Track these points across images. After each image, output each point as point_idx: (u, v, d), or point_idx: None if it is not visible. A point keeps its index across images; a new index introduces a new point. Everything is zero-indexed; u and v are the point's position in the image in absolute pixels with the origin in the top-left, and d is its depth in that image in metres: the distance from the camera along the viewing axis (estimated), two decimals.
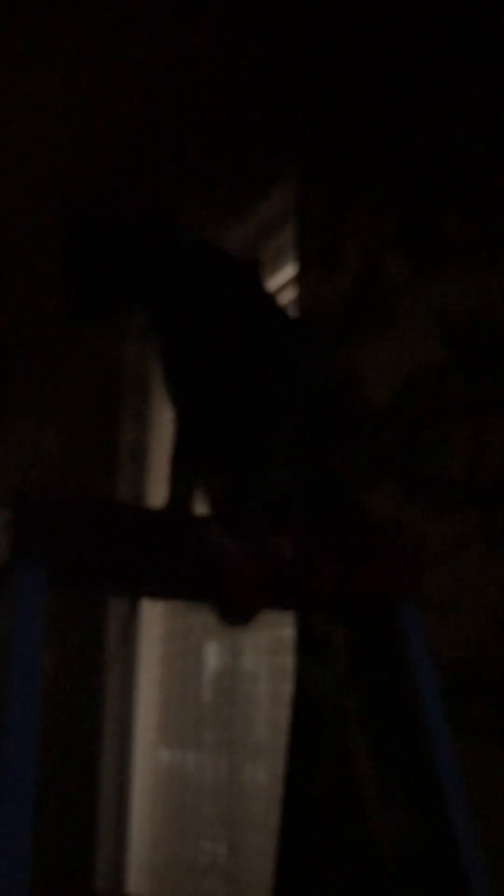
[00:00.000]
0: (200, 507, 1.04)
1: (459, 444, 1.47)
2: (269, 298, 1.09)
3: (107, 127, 2.62)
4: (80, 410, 3.27)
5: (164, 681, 2.61)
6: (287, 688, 1.60)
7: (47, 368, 3.73)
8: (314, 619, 1.15)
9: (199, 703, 2.36)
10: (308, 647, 1.17)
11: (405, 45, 1.82)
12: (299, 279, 2.06)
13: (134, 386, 2.92)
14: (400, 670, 1.03)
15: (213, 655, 2.37)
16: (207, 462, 1.06)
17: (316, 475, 1.07)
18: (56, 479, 3.40)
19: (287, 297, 2.23)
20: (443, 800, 0.98)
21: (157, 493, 2.73)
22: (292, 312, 2.18)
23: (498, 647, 1.33)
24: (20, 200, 3.02)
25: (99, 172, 2.84)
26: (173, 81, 2.41)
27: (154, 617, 2.68)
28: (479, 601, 1.37)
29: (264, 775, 2.01)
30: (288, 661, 1.65)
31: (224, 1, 2.11)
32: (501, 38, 1.57)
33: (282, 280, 2.29)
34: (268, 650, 2.08)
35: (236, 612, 1.06)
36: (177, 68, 2.36)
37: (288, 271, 2.27)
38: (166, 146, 2.69)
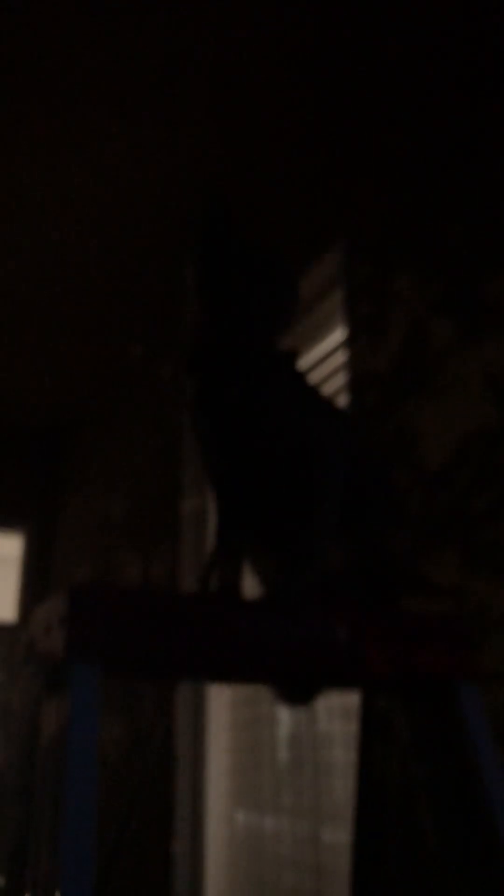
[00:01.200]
0: (249, 583, 1.06)
1: None
2: (307, 385, 1.12)
3: (170, 194, 2.71)
4: (145, 478, 3.33)
5: (235, 748, 2.59)
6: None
7: (114, 438, 3.82)
8: (375, 697, 1.14)
9: (276, 769, 2.35)
10: (370, 723, 1.16)
11: (448, 116, 1.85)
12: (349, 343, 2.08)
13: (195, 455, 2.96)
14: (461, 749, 1.01)
15: (286, 721, 2.36)
16: (253, 541, 1.08)
17: (366, 552, 1.07)
18: (122, 543, 3.45)
19: (337, 360, 2.25)
20: None
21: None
22: (342, 377, 2.19)
23: None
24: (80, 279, 3.13)
25: (162, 236, 2.92)
26: (232, 157, 2.49)
27: (220, 686, 2.68)
28: None
29: (345, 837, 1.98)
30: None
31: (277, 88, 2.18)
32: None
33: (332, 343, 2.32)
34: (342, 715, 2.06)
35: (295, 692, 1.06)
36: (235, 145, 2.44)
37: (338, 335, 2.30)
38: (220, 218, 2.76)
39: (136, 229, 2.85)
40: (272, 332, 1.12)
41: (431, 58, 1.91)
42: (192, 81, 2.21)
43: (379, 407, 1.88)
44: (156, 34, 2.06)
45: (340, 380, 2.22)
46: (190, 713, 2.70)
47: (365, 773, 1.15)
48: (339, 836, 2.04)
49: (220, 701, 2.69)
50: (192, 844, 2.58)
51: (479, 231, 1.66)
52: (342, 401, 2.17)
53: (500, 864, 0.96)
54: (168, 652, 0.85)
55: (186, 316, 1.12)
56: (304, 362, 2.46)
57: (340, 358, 2.24)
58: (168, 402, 3.22)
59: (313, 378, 2.36)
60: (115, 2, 1.96)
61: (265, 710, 2.43)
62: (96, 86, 2.23)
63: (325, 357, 2.33)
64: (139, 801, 2.75)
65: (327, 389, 2.26)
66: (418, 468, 1.71)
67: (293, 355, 1.12)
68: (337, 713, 2.09)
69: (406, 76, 2.00)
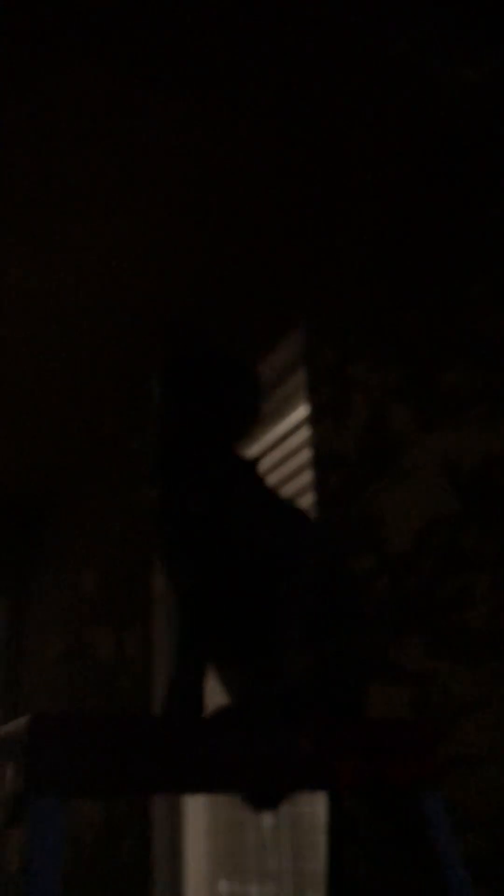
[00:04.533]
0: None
1: (480, 594, 1.47)
2: (270, 492, 1.14)
3: (140, 281, 2.75)
4: (117, 555, 3.32)
5: (213, 814, 2.55)
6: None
7: (87, 513, 3.81)
8: (342, 798, 1.14)
9: (258, 834, 2.32)
10: (338, 823, 1.16)
11: (406, 212, 1.92)
12: (312, 424, 2.11)
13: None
14: (424, 850, 1.02)
15: None
16: (218, 653, 1.08)
17: (331, 663, 1.08)
18: (94, 620, 3.42)
19: (301, 437, 2.28)
20: None
21: None
22: (305, 454, 2.22)
23: None
24: (52, 356, 3.16)
25: (134, 318, 2.96)
26: (200, 245, 2.55)
27: None
28: None
29: None
30: None
31: (241, 186, 2.25)
32: (494, 197, 1.65)
33: (296, 419, 2.35)
34: None
35: (261, 800, 1.06)
36: (202, 235, 2.50)
37: (301, 412, 2.33)
38: (187, 302, 2.81)
39: (109, 312, 2.89)
40: (234, 438, 1.14)
41: (385, 158, 1.98)
42: (161, 183, 2.27)
43: (343, 489, 1.91)
44: (124, 148, 2.13)
45: (304, 456, 2.24)
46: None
47: (334, 869, 1.14)
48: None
49: None
50: None
51: (436, 322, 1.71)
52: (306, 479, 2.20)
53: None
54: (132, 777, 0.85)
55: (151, 426, 1.14)
56: (268, 438, 2.49)
57: (304, 434, 2.27)
58: (139, 478, 3.23)
59: (277, 454, 2.39)
60: (88, 108, 2.02)
61: None
62: (67, 195, 2.28)
63: (289, 433, 2.36)
64: (117, 884, 2.69)
65: (291, 466, 2.29)
66: (384, 552, 1.73)
67: (254, 463, 1.14)
68: None
69: (364, 173, 2.07)
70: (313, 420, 2.11)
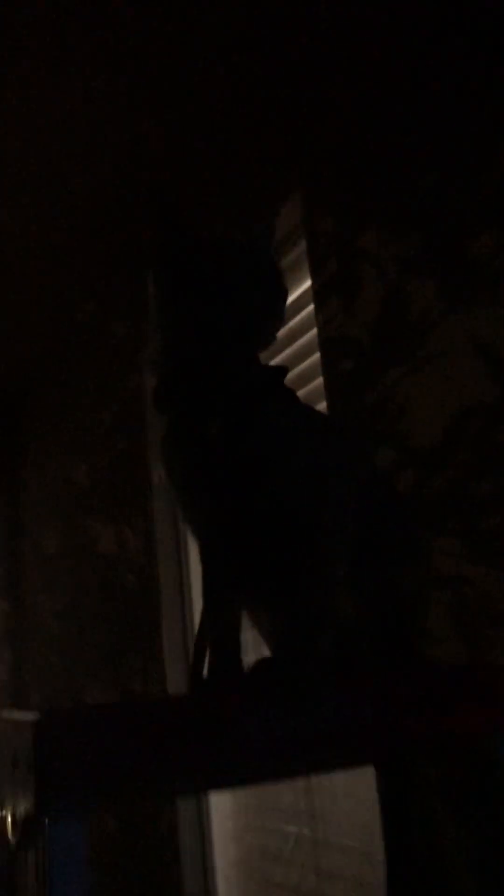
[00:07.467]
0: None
1: None
2: (300, 406, 0.95)
3: (121, 150, 2.46)
4: (108, 444, 3.15)
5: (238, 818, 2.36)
6: None
7: (71, 403, 3.61)
8: (399, 764, 1.00)
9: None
10: (394, 792, 1.02)
11: (409, 51, 1.64)
12: (317, 305, 1.90)
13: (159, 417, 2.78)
14: (497, 798, 0.90)
15: None
16: (250, 600, 0.92)
17: (381, 599, 0.92)
18: (92, 513, 3.29)
19: (305, 317, 2.06)
20: None
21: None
22: (311, 337, 2.01)
23: None
24: (29, 238, 2.89)
25: (115, 192, 2.68)
26: (178, 107, 2.25)
27: None
28: None
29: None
30: None
31: (228, 34, 1.94)
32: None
33: (300, 299, 2.12)
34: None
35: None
36: (179, 95, 2.20)
37: (305, 287, 2.09)
38: (177, 169, 2.53)
39: (87, 186, 2.61)
40: (256, 344, 0.94)
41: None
42: (142, 37, 1.96)
43: (356, 376, 1.72)
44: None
45: (310, 336, 2.02)
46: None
47: (393, 844, 1.02)
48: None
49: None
50: None
51: (460, 180, 1.48)
52: (314, 363, 2.00)
53: None
54: (162, 775, 0.71)
55: (151, 338, 0.93)
56: None
57: (308, 314, 2.05)
58: (125, 363, 3.02)
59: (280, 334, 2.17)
60: None
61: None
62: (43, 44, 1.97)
63: (293, 310, 2.14)
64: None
65: (296, 352, 2.08)
66: (407, 446, 1.56)
67: (282, 372, 0.95)
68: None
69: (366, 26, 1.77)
70: (318, 298, 1.90)
